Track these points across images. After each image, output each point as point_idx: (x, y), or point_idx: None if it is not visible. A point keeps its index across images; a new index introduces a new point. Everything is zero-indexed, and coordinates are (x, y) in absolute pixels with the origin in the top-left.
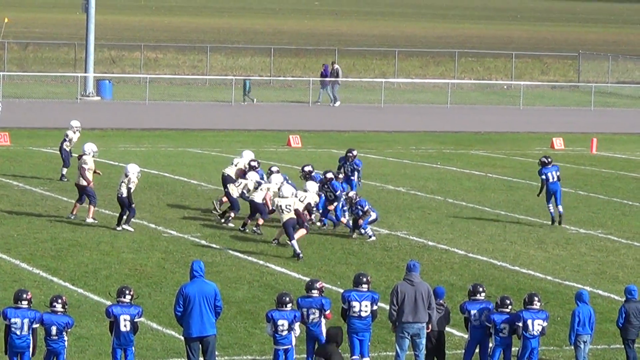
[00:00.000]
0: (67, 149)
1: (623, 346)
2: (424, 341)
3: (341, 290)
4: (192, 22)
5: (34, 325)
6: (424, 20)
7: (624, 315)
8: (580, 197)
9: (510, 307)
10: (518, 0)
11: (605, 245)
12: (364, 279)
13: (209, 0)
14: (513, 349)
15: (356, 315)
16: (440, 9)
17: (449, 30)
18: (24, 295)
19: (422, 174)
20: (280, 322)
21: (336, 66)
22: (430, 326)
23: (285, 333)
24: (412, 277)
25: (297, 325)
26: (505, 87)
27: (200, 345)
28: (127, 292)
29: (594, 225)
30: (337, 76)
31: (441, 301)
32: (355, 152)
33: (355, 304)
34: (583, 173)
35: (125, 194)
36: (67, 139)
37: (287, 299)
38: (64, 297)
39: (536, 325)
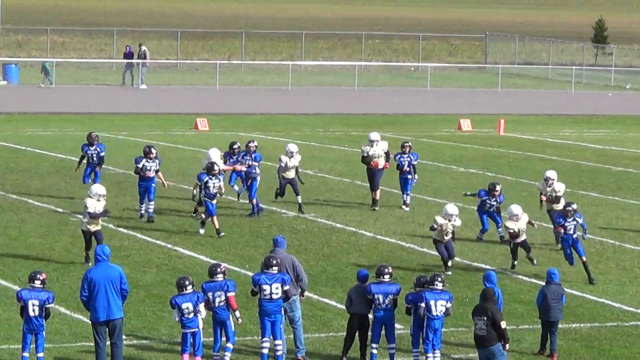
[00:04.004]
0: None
1: (532, 326)
2: (298, 313)
3: (250, 273)
4: (98, 5)
5: None
6: (330, 2)
7: (541, 297)
8: (488, 178)
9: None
10: None
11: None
12: (273, 262)
13: None
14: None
15: (267, 298)
16: None
17: (355, 12)
18: None
19: (330, 157)
20: (184, 305)
21: (143, 48)
22: (305, 295)
23: (191, 316)
24: (277, 252)
25: (201, 307)
26: (412, 69)
27: (107, 329)
28: (39, 276)
29: (502, 207)
30: (145, 58)
31: (363, 284)
32: (255, 143)
33: (265, 287)
34: (491, 154)
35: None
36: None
37: (187, 282)
38: None
39: (439, 306)
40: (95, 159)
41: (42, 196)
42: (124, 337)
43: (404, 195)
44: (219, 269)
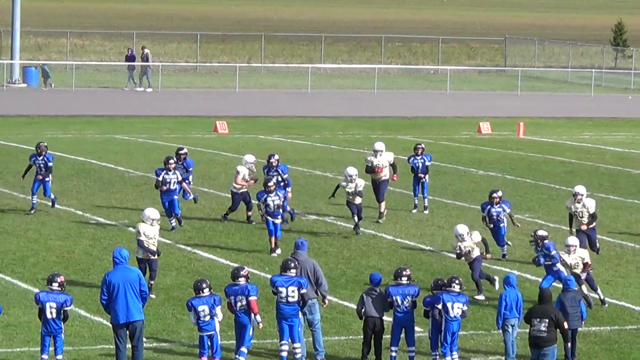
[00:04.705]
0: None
1: None
2: (317, 316)
3: (269, 276)
4: (118, 8)
5: None
6: (350, 5)
7: (559, 305)
8: (508, 181)
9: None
10: None
11: (533, 229)
12: (291, 265)
13: None
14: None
15: (284, 300)
16: None
17: (375, 15)
18: None
19: (349, 159)
20: (200, 308)
21: (146, 51)
22: (327, 301)
23: (207, 319)
24: (298, 255)
25: (218, 310)
26: (432, 71)
27: (127, 332)
28: (57, 279)
29: (521, 209)
30: (147, 61)
31: (377, 288)
32: (277, 157)
33: (282, 289)
34: (510, 157)
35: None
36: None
37: (204, 284)
38: None
39: (456, 309)
40: (43, 169)
41: (61, 199)
42: (144, 339)
43: (418, 199)
44: (241, 273)
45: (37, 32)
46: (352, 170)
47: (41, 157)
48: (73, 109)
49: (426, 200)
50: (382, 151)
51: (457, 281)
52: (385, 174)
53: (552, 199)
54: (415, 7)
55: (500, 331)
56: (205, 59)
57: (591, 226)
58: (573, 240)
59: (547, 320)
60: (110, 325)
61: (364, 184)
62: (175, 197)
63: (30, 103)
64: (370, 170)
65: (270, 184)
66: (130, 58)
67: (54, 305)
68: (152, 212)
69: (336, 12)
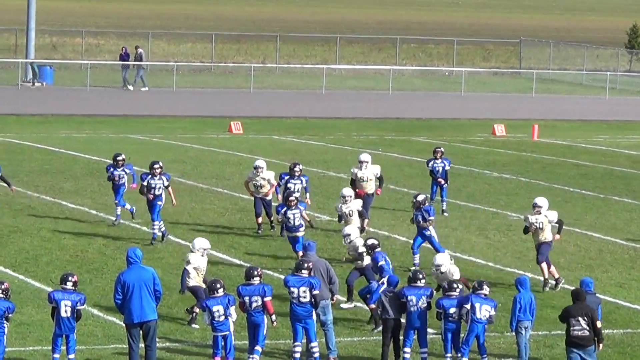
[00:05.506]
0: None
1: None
2: (330, 317)
3: (282, 276)
4: (133, 7)
5: None
6: (365, 7)
7: None
8: (522, 183)
9: (458, 290)
10: None
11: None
12: (304, 265)
13: None
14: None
15: (296, 301)
16: None
17: (390, 16)
18: None
19: None
20: (215, 308)
21: (140, 50)
22: (335, 298)
23: (222, 319)
24: (308, 257)
25: (232, 310)
26: (446, 73)
27: (140, 332)
28: (70, 278)
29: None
30: (141, 60)
31: (393, 289)
32: (301, 167)
33: (293, 289)
34: (524, 159)
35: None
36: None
37: (218, 284)
38: (5, 283)
39: (483, 311)
40: None
41: (75, 198)
42: (157, 339)
43: (434, 202)
44: (255, 272)
45: (52, 31)
46: (347, 191)
47: None
48: (87, 109)
49: (444, 204)
50: (367, 162)
51: (486, 284)
52: (371, 187)
53: (565, 201)
54: (431, 8)
55: (514, 333)
56: (220, 59)
57: (549, 240)
58: (441, 258)
59: (585, 318)
60: (124, 324)
61: (359, 205)
62: (159, 202)
63: (45, 102)
64: (354, 185)
65: (292, 198)
66: (125, 57)
67: (69, 303)
68: (203, 242)
69: (351, 13)
